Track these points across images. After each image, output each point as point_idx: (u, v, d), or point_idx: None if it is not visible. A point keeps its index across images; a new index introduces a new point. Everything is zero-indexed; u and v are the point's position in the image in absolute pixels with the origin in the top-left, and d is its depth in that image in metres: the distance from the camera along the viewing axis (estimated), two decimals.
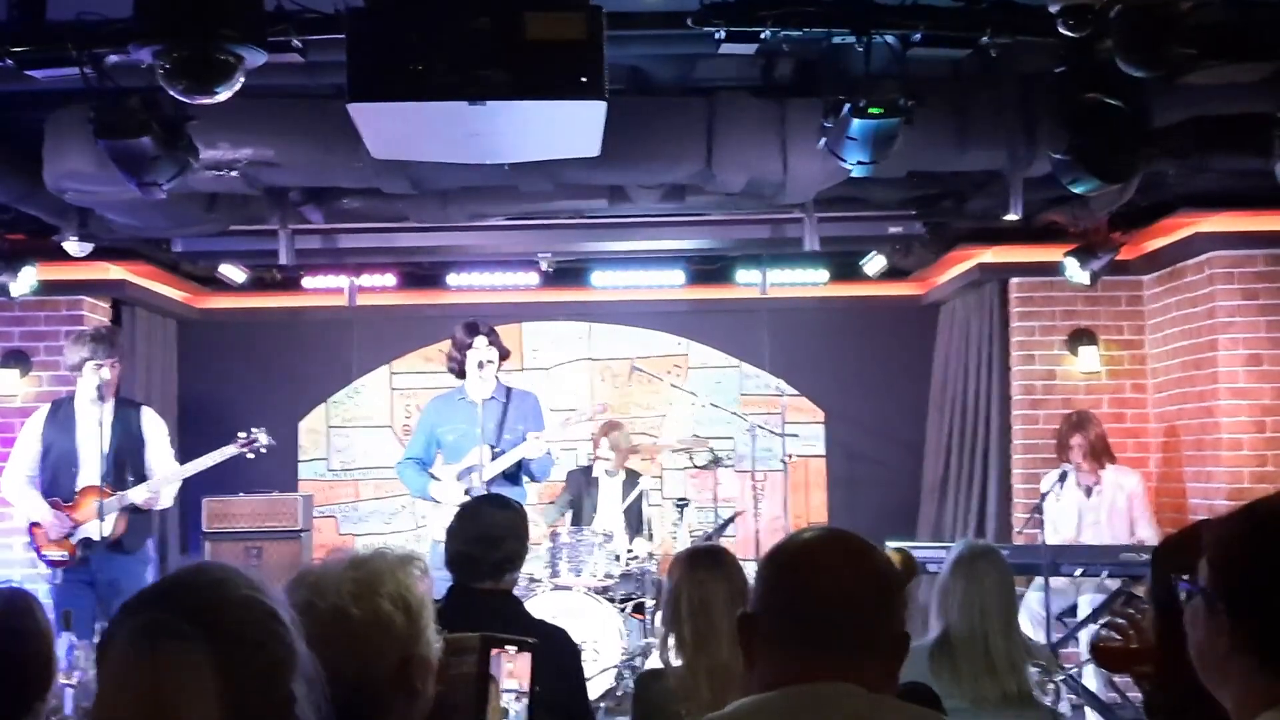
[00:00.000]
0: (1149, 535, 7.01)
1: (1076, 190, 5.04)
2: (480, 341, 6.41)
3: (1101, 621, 2.61)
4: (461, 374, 6.53)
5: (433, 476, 6.56)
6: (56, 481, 6.26)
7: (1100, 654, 2.76)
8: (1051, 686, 3.48)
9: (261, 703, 1.53)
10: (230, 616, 1.53)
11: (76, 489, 6.21)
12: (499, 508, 3.72)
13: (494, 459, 6.37)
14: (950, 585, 3.86)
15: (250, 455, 6.56)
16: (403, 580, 2.24)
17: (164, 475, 6.33)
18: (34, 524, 6.22)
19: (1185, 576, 1.67)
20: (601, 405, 7.92)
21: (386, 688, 2.15)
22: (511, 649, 2.35)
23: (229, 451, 6.44)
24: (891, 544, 2.93)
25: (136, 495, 6.26)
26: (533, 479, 6.82)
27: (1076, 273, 7.13)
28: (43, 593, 5.95)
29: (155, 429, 6.46)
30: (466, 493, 6.28)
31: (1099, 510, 7.12)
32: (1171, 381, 7.77)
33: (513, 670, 2.46)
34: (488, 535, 3.54)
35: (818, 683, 1.75)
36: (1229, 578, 1.60)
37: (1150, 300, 8.05)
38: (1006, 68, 4.80)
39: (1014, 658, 3.77)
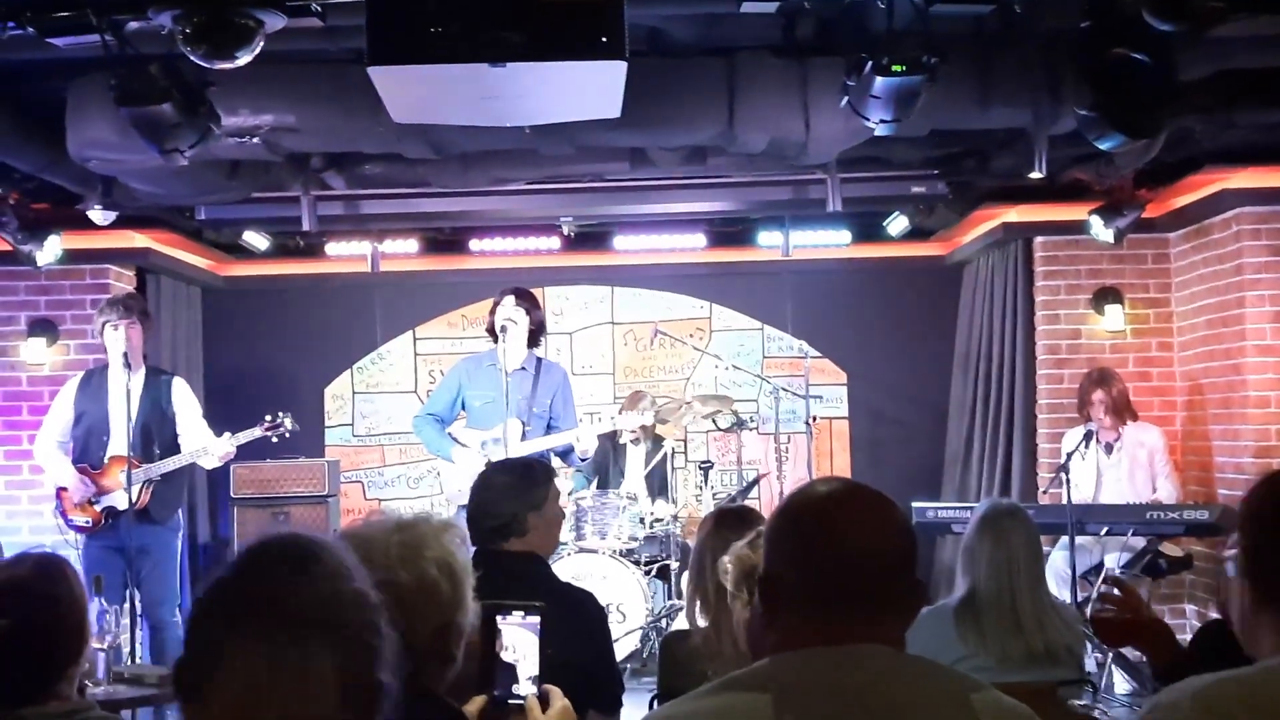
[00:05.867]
0: (1167, 492, 6.98)
1: (1102, 147, 4.97)
2: (508, 300, 6.34)
3: (1094, 598, 2.68)
4: (496, 335, 6.45)
5: (455, 439, 6.54)
6: (88, 449, 6.31)
7: (1099, 627, 2.79)
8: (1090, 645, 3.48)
9: (361, 690, 1.55)
10: (345, 617, 1.55)
11: (106, 457, 6.26)
12: (503, 471, 3.71)
13: (524, 438, 6.31)
14: (976, 544, 3.85)
15: (274, 440, 6.59)
16: (446, 545, 2.23)
17: (202, 446, 6.34)
18: (61, 488, 6.28)
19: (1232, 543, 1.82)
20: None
21: (425, 653, 2.14)
22: (519, 614, 2.33)
23: (254, 434, 6.45)
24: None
25: (208, 461, 6.37)
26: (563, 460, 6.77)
27: (1102, 231, 7.07)
28: (73, 558, 6.02)
29: (185, 400, 6.47)
30: (488, 461, 6.25)
31: (1119, 468, 7.10)
32: (1198, 339, 7.71)
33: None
34: (487, 498, 3.55)
35: (844, 645, 1.73)
36: (1248, 542, 1.76)
37: (1176, 258, 7.98)
38: (1030, 23, 4.73)
39: (1041, 616, 3.76)
